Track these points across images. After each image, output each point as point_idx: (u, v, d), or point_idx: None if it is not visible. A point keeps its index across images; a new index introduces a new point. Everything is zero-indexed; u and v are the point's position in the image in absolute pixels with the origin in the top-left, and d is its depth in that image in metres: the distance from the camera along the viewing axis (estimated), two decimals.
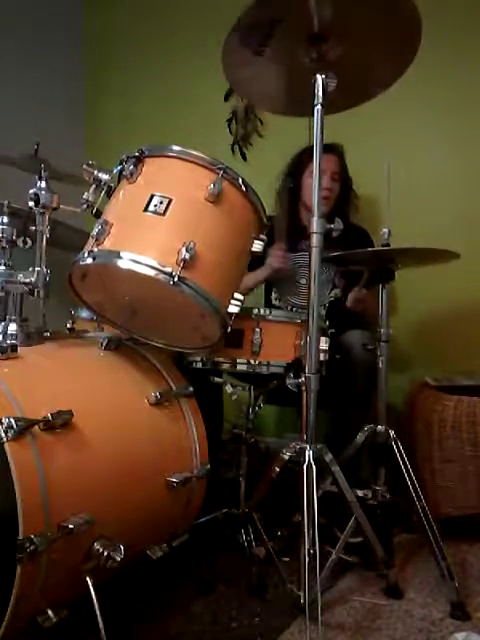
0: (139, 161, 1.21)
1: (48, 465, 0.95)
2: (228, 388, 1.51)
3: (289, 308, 1.98)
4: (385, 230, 1.48)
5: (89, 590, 1.01)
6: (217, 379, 1.53)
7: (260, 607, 1.26)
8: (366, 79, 1.36)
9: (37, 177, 1.31)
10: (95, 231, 1.16)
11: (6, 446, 0.91)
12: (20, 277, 1.28)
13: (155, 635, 1.16)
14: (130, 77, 2.84)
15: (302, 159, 2.00)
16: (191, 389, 1.33)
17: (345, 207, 2.02)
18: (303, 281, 1.96)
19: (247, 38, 1.25)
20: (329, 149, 1.92)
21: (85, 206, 1.25)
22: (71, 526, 0.94)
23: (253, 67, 1.34)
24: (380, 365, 1.50)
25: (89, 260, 1.14)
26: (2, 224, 1.31)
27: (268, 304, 2.05)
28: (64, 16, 2.81)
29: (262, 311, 1.38)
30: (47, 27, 2.70)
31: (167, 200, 1.15)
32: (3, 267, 1.30)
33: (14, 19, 2.54)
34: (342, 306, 1.86)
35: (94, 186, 1.25)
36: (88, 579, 1.01)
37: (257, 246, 1.29)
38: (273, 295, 2.03)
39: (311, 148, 1.96)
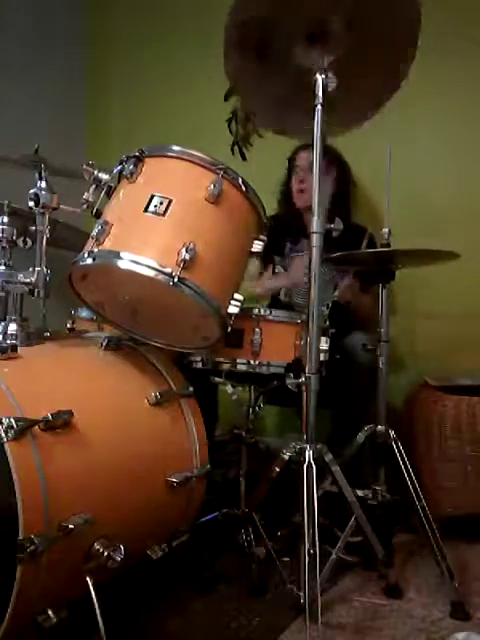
0: (139, 161, 1.21)
1: (48, 465, 0.95)
2: (228, 388, 1.51)
3: (293, 307, 1.98)
4: (385, 230, 1.48)
5: (89, 590, 1.01)
6: (217, 379, 1.53)
7: (260, 607, 1.26)
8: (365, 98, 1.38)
9: (37, 177, 1.31)
10: (95, 231, 1.16)
11: (6, 446, 0.90)
12: (20, 277, 1.28)
13: (155, 635, 1.16)
14: (131, 77, 2.84)
15: (289, 159, 2.04)
16: (191, 389, 1.33)
17: (342, 205, 1.99)
18: (305, 280, 1.96)
19: (244, 43, 1.26)
20: (306, 145, 1.94)
21: (85, 206, 1.25)
22: (71, 526, 0.94)
23: (256, 80, 1.35)
24: (380, 365, 1.50)
25: (89, 260, 1.14)
26: (2, 224, 1.31)
27: (274, 303, 2.05)
28: (65, 16, 2.81)
29: (262, 311, 1.38)
30: (48, 27, 2.69)
31: (167, 200, 1.15)
32: (3, 267, 1.30)
33: (15, 19, 2.54)
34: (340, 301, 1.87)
35: (94, 186, 1.25)
36: (88, 579, 1.01)
37: (257, 246, 1.29)
38: (282, 291, 2.03)
39: (297, 148, 2.01)
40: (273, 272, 2.03)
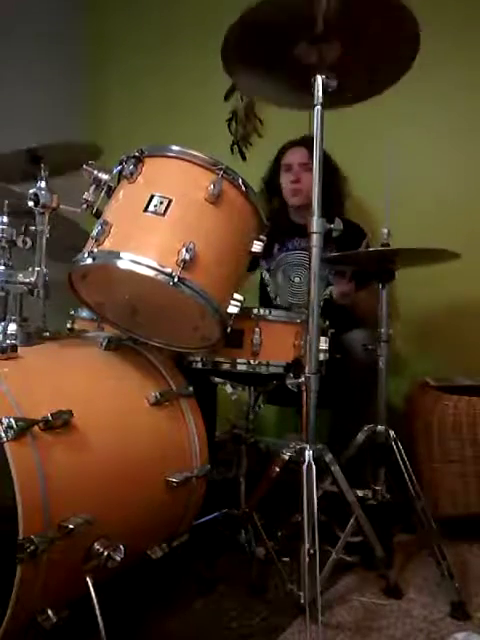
0: (139, 161, 1.21)
1: (48, 465, 0.95)
2: (228, 388, 1.51)
3: (286, 306, 1.98)
4: (385, 230, 1.48)
5: (89, 590, 1.01)
6: (217, 379, 1.53)
7: (260, 607, 1.26)
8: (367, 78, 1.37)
9: (37, 177, 1.31)
10: (95, 231, 1.16)
11: (6, 446, 0.90)
12: (20, 277, 1.28)
13: (155, 635, 1.16)
14: (131, 77, 2.85)
15: (277, 157, 2.03)
16: (191, 389, 1.33)
17: (335, 203, 1.97)
18: (297, 280, 1.97)
19: (245, 43, 1.26)
20: (296, 143, 1.97)
21: (85, 206, 1.25)
22: (71, 526, 0.94)
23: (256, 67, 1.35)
24: (380, 365, 1.50)
25: (89, 260, 1.14)
26: (2, 224, 1.31)
27: (263, 303, 2.05)
28: (66, 16, 2.81)
29: (262, 311, 1.38)
30: (50, 27, 2.69)
31: (167, 200, 1.15)
32: (3, 267, 1.30)
33: (17, 19, 2.54)
34: (334, 302, 1.86)
35: (94, 186, 1.25)
36: (88, 579, 1.01)
37: (257, 246, 1.29)
38: (271, 294, 2.03)
39: (284, 145, 2.01)
40: (260, 277, 2.05)
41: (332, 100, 1.28)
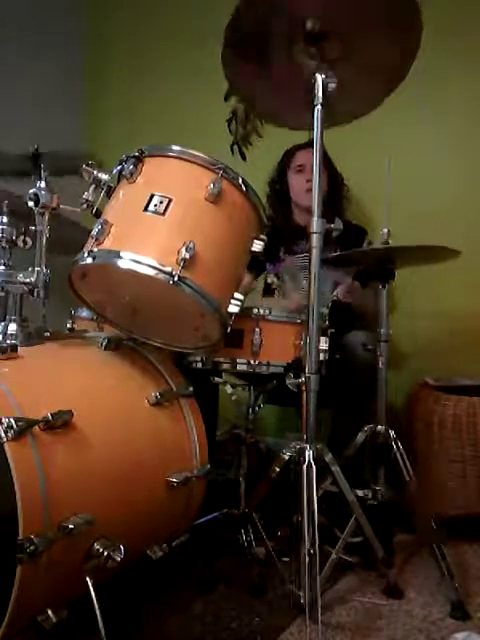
0: (139, 161, 1.21)
1: (48, 465, 0.95)
2: (228, 388, 1.51)
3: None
4: (385, 230, 1.48)
5: (89, 590, 1.01)
6: (217, 379, 1.53)
7: (260, 607, 1.26)
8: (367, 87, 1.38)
9: (37, 177, 1.31)
10: (95, 231, 1.16)
11: (6, 446, 0.90)
12: (20, 277, 1.28)
13: (155, 635, 1.16)
14: (131, 77, 2.84)
15: (284, 159, 2.03)
16: (191, 389, 1.33)
17: (338, 203, 2.01)
18: (306, 283, 1.96)
19: (244, 48, 1.26)
20: (305, 145, 1.95)
21: (85, 206, 1.25)
22: (71, 526, 0.94)
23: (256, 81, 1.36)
24: (380, 365, 1.50)
25: (89, 260, 1.14)
26: (2, 224, 1.31)
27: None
28: (66, 15, 2.81)
29: (262, 311, 1.38)
30: (49, 26, 2.69)
31: (167, 200, 1.15)
32: (3, 267, 1.30)
33: (16, 18, 2.54)
34: (338, 302, 1.86)
35: (94, 186, 1.25)
36: (88, 579, 1.01)
37: (257, 246, 1.29)
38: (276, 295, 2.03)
39: (292, 148, 2.01)
40: (265, 282, 2.03)
41: (335, 117, 1.29)
